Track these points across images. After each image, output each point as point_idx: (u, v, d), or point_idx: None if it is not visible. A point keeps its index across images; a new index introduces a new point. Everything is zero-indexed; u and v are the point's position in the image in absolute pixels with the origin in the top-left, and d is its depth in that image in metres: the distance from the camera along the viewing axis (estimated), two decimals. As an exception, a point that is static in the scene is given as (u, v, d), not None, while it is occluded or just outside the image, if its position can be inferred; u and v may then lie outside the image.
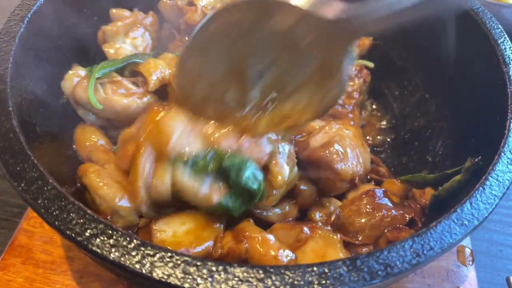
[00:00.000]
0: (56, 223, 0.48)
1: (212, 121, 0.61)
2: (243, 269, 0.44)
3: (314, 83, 0.57)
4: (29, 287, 0.72)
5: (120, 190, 0.62)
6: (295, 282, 0.44)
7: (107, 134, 0.76)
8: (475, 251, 0.81)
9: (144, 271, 0.44)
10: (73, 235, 0.47)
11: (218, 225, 0.63)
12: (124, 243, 0.46)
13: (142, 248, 0.46)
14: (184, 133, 0.59)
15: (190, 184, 0.59)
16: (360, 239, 0.66)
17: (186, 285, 0.43)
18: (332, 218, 0.68)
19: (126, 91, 0.73)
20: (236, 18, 0.55)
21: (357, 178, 0.72)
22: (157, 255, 0.45)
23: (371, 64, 0.93)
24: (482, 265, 0.86)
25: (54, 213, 0.48)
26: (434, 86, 0.89)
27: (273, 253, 0.58)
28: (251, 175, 0.60)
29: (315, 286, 0.44)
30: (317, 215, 0.69)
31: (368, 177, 0.79)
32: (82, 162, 0.72)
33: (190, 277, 0.44)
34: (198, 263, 0.45)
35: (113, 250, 0.46)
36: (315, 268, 0.45)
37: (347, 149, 0.72)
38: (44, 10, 0.73)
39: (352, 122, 0.84)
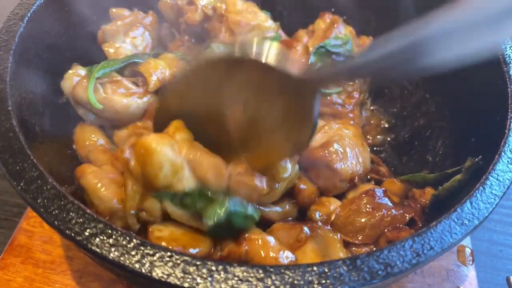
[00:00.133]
0: (56, 222, 0.48)
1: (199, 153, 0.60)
2: (243, 268, 0.44)
3: (287, 123, 0.58)
4: (28, 286, 0.72)
5: (118, 192, 0.62)
6: (295, 282, 0.44)
7: (107, 134, 0.76)
8: (475, 251, 0.81)
9: (143, 271, 0.44)
10: (72, 234, 0.47)
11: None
12: (124, 242, 0.46)
13: (142, 248, 0.46)
14: (172, 166, 0.57)
15: (180, 212, 0.59)
16: (360, 238, 0.66)
17: (186, 284, 0.43)
18: (332, 218, 0.68)
19: (126, 90, 0.72)
20: (209, 71, 0.59)
21: (356, 177, 0.72)
22: (157, 255, 0.45)
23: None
24: (482, 265, 0.86)
25: (54, 213, 0.48)
26: (434, 86, 0.89)
27: (273, 255, 0.58)
28: (242, 220, 0.60)
29: (315, 285, 0.44)
30: (317, 215, 0.69)
31: (368, 176, 0.79)
32: (81, 161, 0.72)
33: (190, 276, 0.44)
34: (198, 263, 0.45)
35: (112, 249, 0.46)
36: (315, 268, 0.45)
37: (347, 148, 0.72)
38: (44, 9, 0.73)
39: (352, 122, 0.84)
